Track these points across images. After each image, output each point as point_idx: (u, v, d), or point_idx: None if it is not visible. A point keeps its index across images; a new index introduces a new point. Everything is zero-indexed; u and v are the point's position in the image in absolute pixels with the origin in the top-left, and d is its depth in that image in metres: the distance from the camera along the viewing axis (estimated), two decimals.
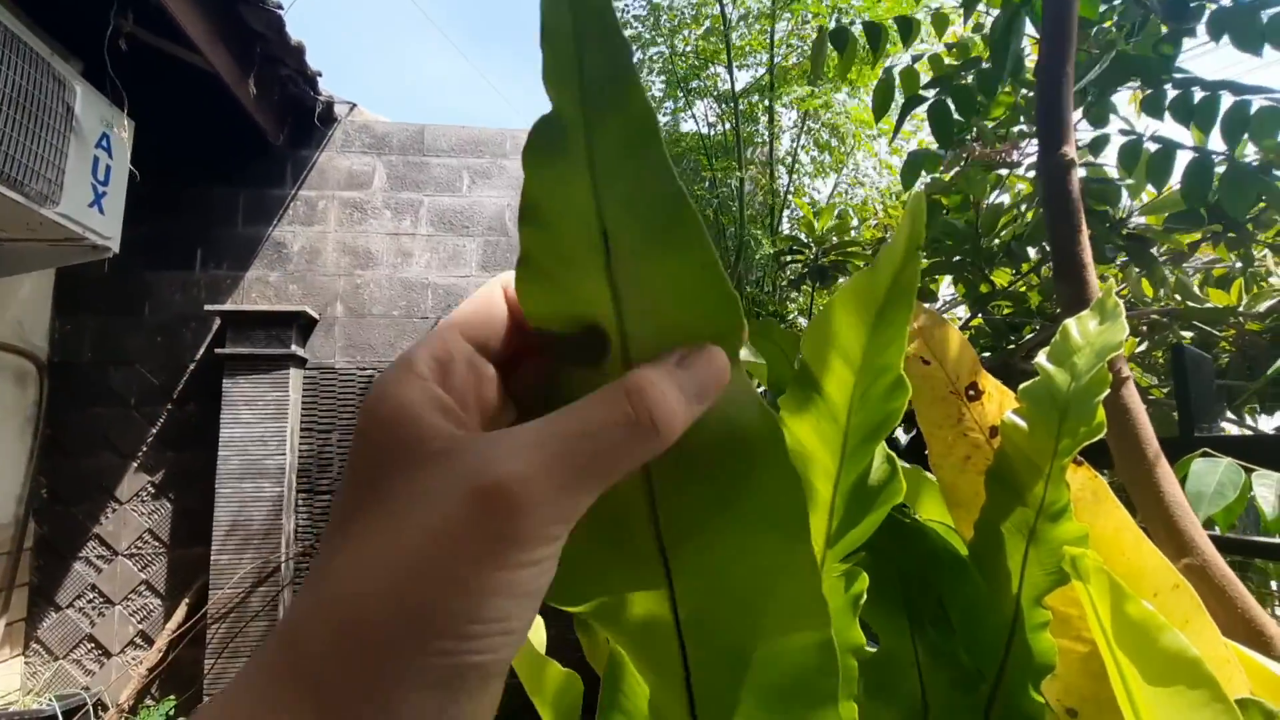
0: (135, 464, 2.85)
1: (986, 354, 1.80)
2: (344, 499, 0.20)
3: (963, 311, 2.25)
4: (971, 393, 0.57)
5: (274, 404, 2.89)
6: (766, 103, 2.92)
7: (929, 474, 0.60)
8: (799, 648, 0.23)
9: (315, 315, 3.07)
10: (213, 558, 2.77)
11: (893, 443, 1.52)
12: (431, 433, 0.19)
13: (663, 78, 3.22)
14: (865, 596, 0.44)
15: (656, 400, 0.18)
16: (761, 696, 0.24)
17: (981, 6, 1.40)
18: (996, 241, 1.56)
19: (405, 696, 0.17)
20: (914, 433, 1.46)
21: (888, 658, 0.55)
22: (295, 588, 2.96)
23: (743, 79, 3.11)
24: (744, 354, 0.60)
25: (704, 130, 3.15)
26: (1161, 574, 0.45)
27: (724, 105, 3.08)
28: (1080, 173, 0.85)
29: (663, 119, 3.38)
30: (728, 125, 3.03)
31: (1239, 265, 1.57)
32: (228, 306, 2.94)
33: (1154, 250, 1.38)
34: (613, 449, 0.18)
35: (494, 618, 0.18)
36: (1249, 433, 1.54)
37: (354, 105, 3.25)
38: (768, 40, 2.83)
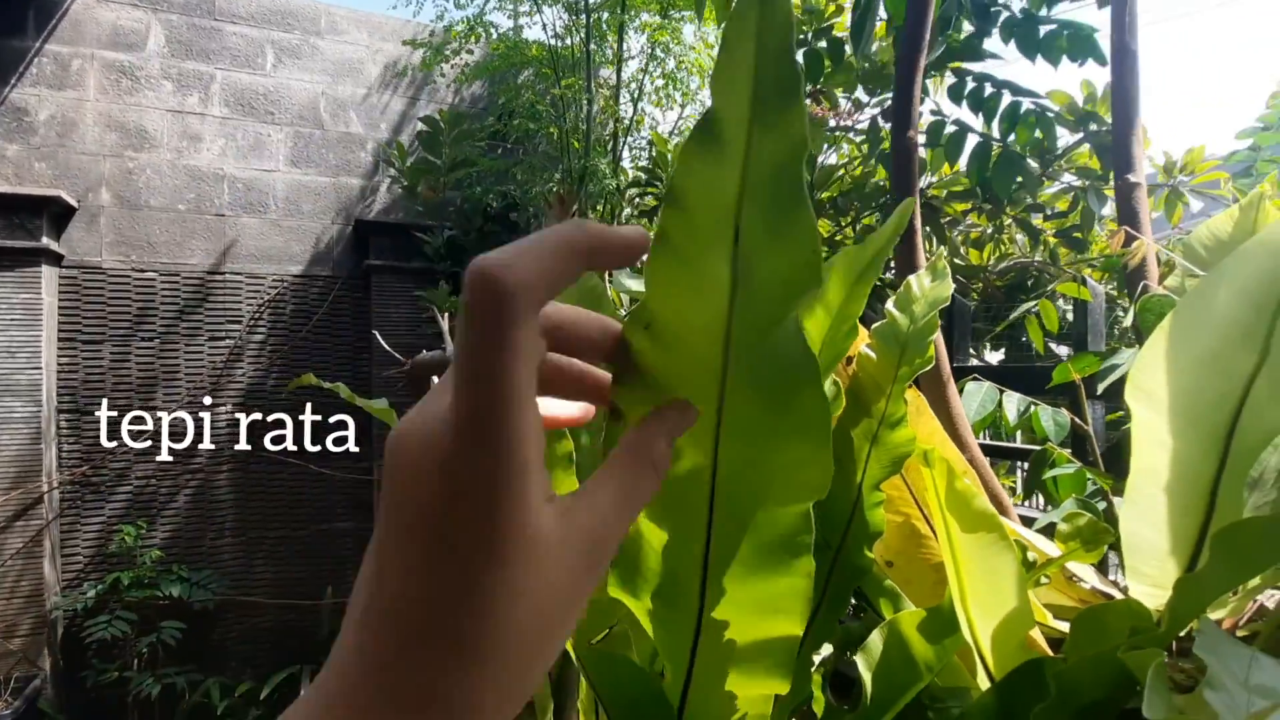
0: None
1: None
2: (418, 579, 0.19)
3: None
4: None
5: (22, 308, 2.38)
6: (618, 23, 2.88)
7: None
8: (793, 513, 0.33)
9: (73, 202, 2.53)
10: None
11: None
12: (540, 521, 0.20)
13: None
14: None
15: (662, 454, 0.25)
16: (757, 546, 0.34)
17: None
18: (824, 195, 1.79)
19: None
20: None
21: None
22: (63, 522, 2.56)
23: None
24: None
25: (551, 41, 3.03)
26: (957, 464, 0.63)
27: (574, 16, 2.98)
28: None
29: (505, 22, 3.19)
30: (577, 38, 2.94)
31: (990, 231, 1.98)
32: None
33: (942, 219, 1.70)
34: (645, 497, 0.24)
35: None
36: (988, 364, 2.01)
37: None
38: None
